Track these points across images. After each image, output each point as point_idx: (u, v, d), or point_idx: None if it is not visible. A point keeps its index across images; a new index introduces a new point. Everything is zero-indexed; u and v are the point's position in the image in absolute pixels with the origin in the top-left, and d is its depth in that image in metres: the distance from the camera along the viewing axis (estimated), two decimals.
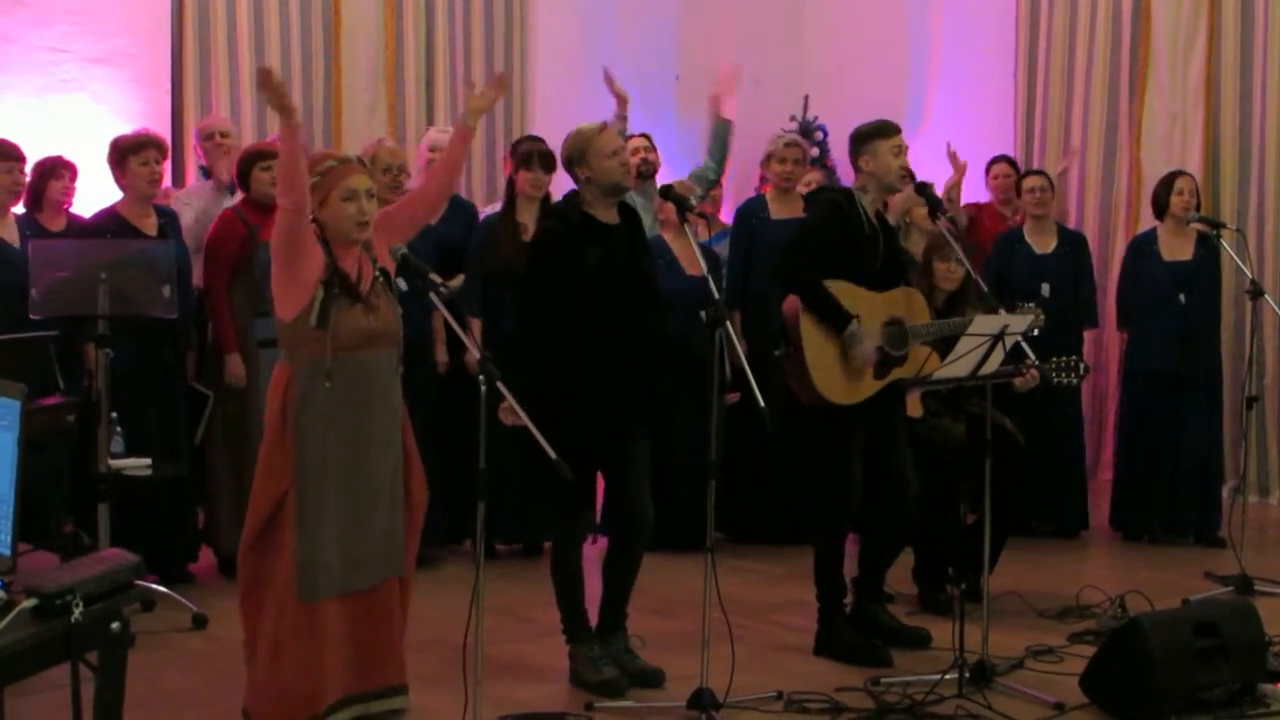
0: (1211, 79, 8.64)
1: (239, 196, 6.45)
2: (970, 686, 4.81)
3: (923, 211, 6.65)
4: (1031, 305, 5.71)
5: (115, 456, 5.62)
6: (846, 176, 7.02)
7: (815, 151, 9.47)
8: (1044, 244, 7.58)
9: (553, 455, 3.98)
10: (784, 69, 10.13)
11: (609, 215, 4.89)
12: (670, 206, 6.19)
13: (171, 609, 5.59)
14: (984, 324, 4.86)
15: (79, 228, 6.23)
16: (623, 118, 7.75)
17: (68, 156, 6.38)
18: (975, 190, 8.61)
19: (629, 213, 4.97)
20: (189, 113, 7.92)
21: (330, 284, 4.10)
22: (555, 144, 5.26)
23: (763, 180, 7.89)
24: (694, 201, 5.98)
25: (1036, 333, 5.17)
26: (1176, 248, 7.38)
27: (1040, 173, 7.88)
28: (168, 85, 7.92)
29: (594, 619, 5.03)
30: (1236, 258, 6.98)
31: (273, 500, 4.12)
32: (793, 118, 9.95)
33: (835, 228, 5.27)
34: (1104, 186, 9.05)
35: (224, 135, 7.04)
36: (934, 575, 6.02)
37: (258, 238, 6.09)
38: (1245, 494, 7.21)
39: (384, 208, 4.45)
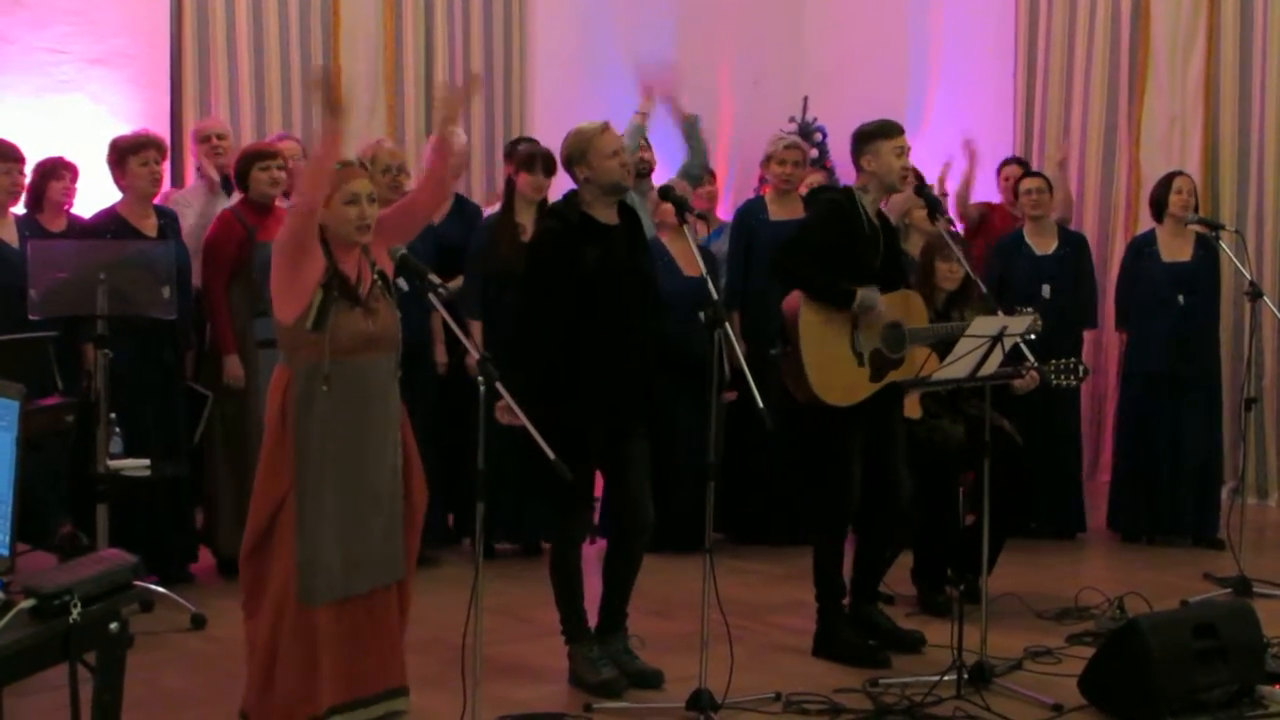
0: (1211, 80, 8.64)
1: (237, 197, 6.44)
2: (969, 688, 4.81)
3: (922, 213, 6.65)
4: (1029, 309, 5.70)
5: (114, 457, 5.62)
6: (846, 177, 7.00)
7: (815, 153, 9.46)
8: (1044, 245, 7.56)
9: (551, 456, 3.98)
10: (784, 69, 10.14)
11: (608, 215, 4.88)
12: (669, 208, 6.19)
13: (170, 609, 5.59)
14: (983, 325, 4.85)
15: (79, 228, 6.23)
16: (643, 114, 7.48)
17: (68, 157, 6.38)
18: (984, 191, 8.61)
19: (628, 213, 4.96)
20: (188, 113, 7.93)
21: (330, 287, 4.09)
22: (555, 144, 5.25)
23: (762, 181, 7.88)
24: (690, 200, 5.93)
25: (1034, 336, 5.16)
26: (1175, 249, 7.35)
27: (1037, 174, 7.83)
28: (167, 86, 7.93)
29: (593, 619, 5.02)
30: (1235, 259, 6.99)
31: (273, 503, 4.12)
32: (792, 118, 9.95)
33: (835, 227, 5.26)
34: (1103, 187, 9.05)
35: (220, 138, 7.03)
36: (933, 576, 6.02)
37: (256, 238, 6.09)
38: (1244, 495, 7.19)
39: (381, 210, 4.44)
